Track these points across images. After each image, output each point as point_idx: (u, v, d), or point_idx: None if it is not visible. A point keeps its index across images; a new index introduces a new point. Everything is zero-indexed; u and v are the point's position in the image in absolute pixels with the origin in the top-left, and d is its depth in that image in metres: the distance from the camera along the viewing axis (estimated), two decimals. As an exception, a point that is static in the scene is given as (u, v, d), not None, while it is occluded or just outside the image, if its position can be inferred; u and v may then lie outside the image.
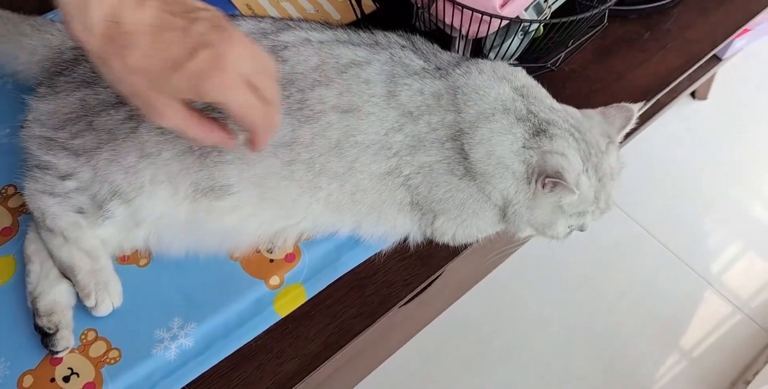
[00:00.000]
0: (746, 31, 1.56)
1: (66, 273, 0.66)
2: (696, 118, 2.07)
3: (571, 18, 0.73)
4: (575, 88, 0.90)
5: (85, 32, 0.50)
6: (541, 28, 0.87)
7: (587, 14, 0.73)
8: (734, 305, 1.78)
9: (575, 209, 0.70)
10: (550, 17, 0.84)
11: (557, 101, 0.77)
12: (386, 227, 0.73)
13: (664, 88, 0.92)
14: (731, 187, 1.97)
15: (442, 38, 0.81)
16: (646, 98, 0.91)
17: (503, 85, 0.71)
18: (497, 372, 1.61)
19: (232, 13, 0.91)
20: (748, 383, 1.57)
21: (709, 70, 1.55)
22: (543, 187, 0.68)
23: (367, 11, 0.92)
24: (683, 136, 2.03)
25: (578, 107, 0.78)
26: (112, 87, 0.53)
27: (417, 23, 0.83)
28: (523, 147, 0.69)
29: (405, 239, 0.75)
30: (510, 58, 0.85)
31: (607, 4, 0.75)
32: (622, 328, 1.71)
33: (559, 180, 0.66)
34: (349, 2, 0.93)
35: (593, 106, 0.88)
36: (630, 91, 0.91)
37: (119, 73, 0.51)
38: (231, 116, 0.54)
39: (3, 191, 0.73)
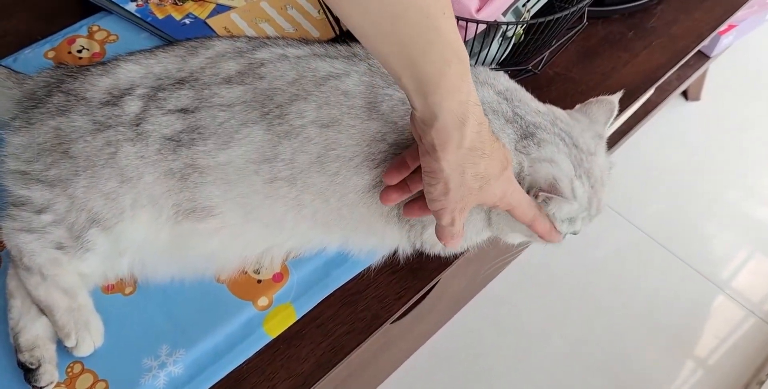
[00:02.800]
0: (732, 26, 1.55)
1: (45, 313, 0.64)
2: (690, 119, 2.05)
3: (549, 17, 0.72)
4: (560, 91, 0.89)
5: (457, 147, 0.54)
6: (521, 32, 0.86)
7: (565, 13, 0.72)
8: (747, 308, 1.74)
9: (567, 216, 0.68)
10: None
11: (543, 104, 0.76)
12: (375, 240, 0.71)
13: (651, 86, 0.91)
14: (731, 188, 1.95)
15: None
16: (634, 96, 0.89)
17: (486, 89, 0.70)
18: (501, 388, 1.58)
19: (209, 35, 0.90)
20: (762, 383, 1.53)
21: (698, 69, 1.54)
22: (536, 198, 0.66)
23: (345, 27, 0.91)
24: (679, 138, 2.01)
25: (564, 109, 0.77)
26: (434, 196, 0.58)
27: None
28: (515, 149, 0.67)
29: (395, 253, 0.73)
30: (492, 63, 0.84)
31: (584, 3, 0.74)
32: (629, 339, 1.67)
33: (554, 195, 0.64)
34: (327, 19, 0.92)
35: (579, 108, 0.87)
36: (616, 91, 0.89)
37: (468, 180, 0.57)
38: (516, 217, 0.64)
39: (-18, 225, 0.72)
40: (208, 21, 0.92)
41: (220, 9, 0.94)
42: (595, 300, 1.72)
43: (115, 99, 0.68)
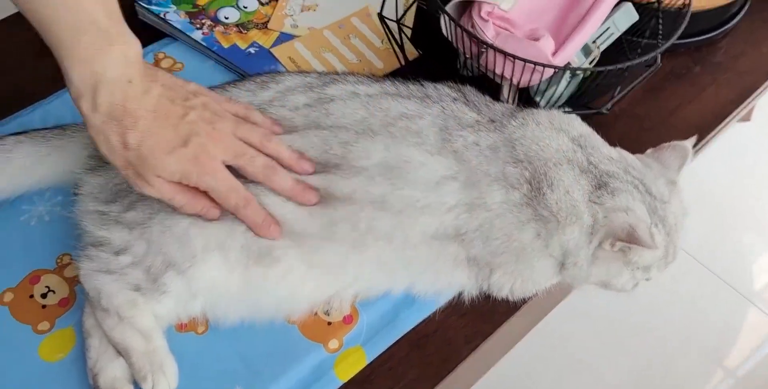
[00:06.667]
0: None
1: (121, 354, 0.65)
2: (740, 139, 2.03)
3: (622, 65, 0.71)
4: (625, 129, 0.88)
5: (92, 111, 0.58)
6: (589, 66, 0.85)
7: (639, 60, 0.71)
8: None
9: (643, 264, 0.68)
10: (600, 58, 0.83)
11: (608, 142, 0.75)
12: (442, 284, 0.71)
13: (719, 124, 0.90)
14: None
15: (488, 83, 0.79)
16: (701, 135, 0.88)
17: (561, 136, 0.70)
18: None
19: (275, 65, 0.91)
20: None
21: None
22: (612, 247, 0.66)
23: (410, 57, 0.91)
24: (726, 158, 1.99)
25: (630, 147, 0.77)
26: (103, 156, 0.61)
27: (463, 71, 0.82)
28: (589, 200, 0.67)
29: (460, 294, 0.73)
30: (558, 101, 0.83)
31: (661, 48, 0.73)
32: (663, 350, 1.67)
33: (632, 244, 0.64)
34: (392, 49, 0.92)
35: (645, 146, 0.85)
36: (683, 129, 0.88)
37: (116, 148, 0.59)
38: (215, 199, 0.63)
39: (59, 260, 0.73)
40: (272, 50, 0.93)
41: (284, 37, 0.94)
42: (630, 312, 1.71)
43: None
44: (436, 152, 0.68)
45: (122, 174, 0.62)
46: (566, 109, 0.76)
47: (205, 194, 0.64)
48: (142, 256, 0.65)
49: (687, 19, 0.77)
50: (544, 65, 0.69)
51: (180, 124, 0.61)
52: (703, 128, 0.89)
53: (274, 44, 0.93)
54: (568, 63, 0.76)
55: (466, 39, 0.73)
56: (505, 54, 0.70)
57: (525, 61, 0.69)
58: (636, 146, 0.79)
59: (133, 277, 0.65)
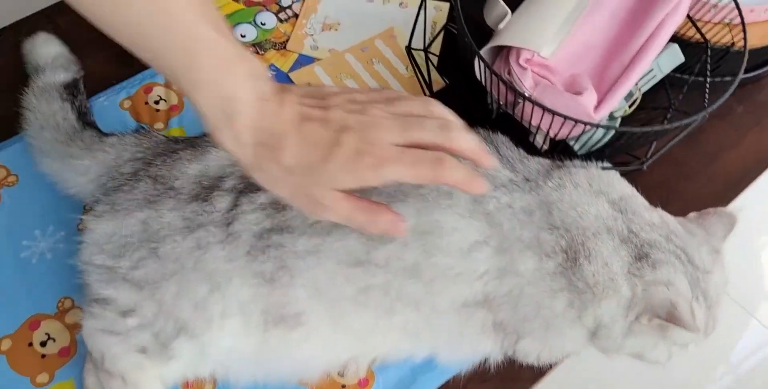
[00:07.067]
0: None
1: None
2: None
3: (669, 126, 0.66)
4: (662, 176, 0.82)
5: (236, 144, 0.50)
6: (628, 109, 0.80)
7: (685, 121, 0.66)
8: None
9: (681, 341, 0.64)
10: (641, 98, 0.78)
11: (646, 192, 0.71)
12: (467, 352, 0.67)
13: (763, 171, 0.84)
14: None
15: (518, 122, 0.74)
16: (741, 185, 0.83)
17: (601, 200, 0.65)
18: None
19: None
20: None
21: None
22: (649, 321, 0.62)
23: (435, 88, 0.86)
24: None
25: (666, 196, 0.72)
26: (268, 191, 0.53)
27: (494, 114, 0.77)
28: (628, 272, 0.63)
29: (485, 360, 0.69)
30: (595, 147, 0.78)
31: (709, 108, 0.68)
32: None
33: (673, 324, 0.60)
34: (416, 78, 0.87)
35: (683, 194, 0.81)
36: (725, 177, 0.83)
37: (277, 176, 0.51)
38: (408, 180, 0.51)
39: (60, 304, 0.69)
40: (290, 74, 0.87)
41: (303, 60, 0.89)
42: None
43: (205, 192, 0.64)
44: (467, 214, 0.63)
45: (294, 205, 0.53)
46: (604, 164, 0.71)
47: (382, 205, 0.54)
48: (151, 318, 0.61)
49: (744, 66, 0.72)
50: (584, 123, 0.64)
51: (325, 124, 0.51)
52: (746, 176, 0.84)
53: (293, 68, 0.88)
54: (612, 116, 0.71)
55: (501, 86, 0.68)
56: (544, 108, 0.64)
57: (565, 117, 0.64)
58: (674, 195, 0.75)
59: (140, 339, 0.61)
